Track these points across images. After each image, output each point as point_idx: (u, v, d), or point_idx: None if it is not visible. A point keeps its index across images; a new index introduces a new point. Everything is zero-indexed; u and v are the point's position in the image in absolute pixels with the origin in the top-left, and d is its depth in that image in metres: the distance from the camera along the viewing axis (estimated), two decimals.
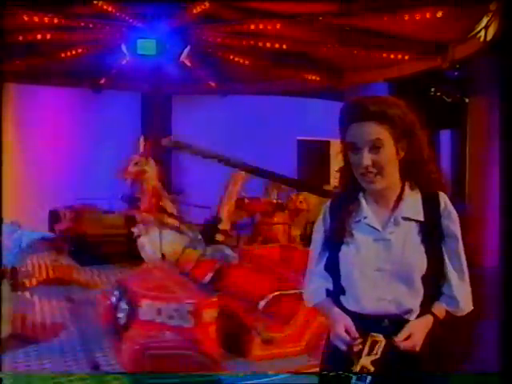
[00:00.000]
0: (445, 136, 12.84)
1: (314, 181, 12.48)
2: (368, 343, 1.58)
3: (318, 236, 1.83)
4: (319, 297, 1.81)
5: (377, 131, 1.63)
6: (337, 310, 1.71)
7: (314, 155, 12.66)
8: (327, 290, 1.80)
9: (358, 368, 1.55)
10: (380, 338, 1.58)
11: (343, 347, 1.61)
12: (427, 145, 1.73)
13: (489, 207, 6.95)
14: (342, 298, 1.73)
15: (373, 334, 1.59)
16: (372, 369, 1.53)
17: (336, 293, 1.76)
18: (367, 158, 1.63)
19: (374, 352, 1.56)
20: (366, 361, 1.55)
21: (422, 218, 1.68)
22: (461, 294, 1.71)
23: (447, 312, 1.70)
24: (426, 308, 1.66)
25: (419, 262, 1.64)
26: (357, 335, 1.60)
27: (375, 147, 1.63)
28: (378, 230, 1.69)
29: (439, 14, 5.59)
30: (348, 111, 1.68)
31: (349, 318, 1.65)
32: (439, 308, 1.70)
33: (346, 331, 1.62)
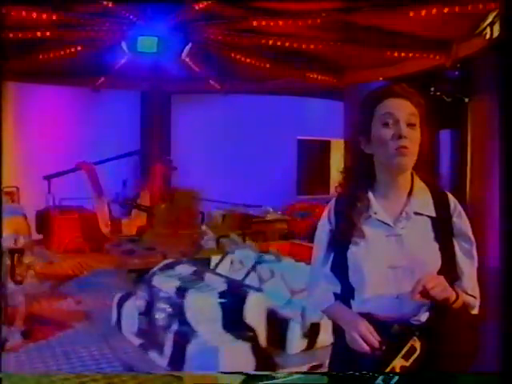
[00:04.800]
0: (444, 136, 12.82)
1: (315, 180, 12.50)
2: (407, 346, 1.51)
3: (322, 237, 1.77)
4: (328, 301, 1.75)
5: (413, 110, 1.63)
6: (351, 312, 1.66)
7: (314, 155, 12.64)
8: (335, 294, 1.73)
9: (388, 368, 1.49)
10: (418, 346, 1.51)
11: (366, 350, 1.55)
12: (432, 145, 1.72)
13: (490, 208, 6.91)
14: (351, 301, 1.68)
15: (415, 338, 1.52)
16: (398, 372, 1.49)
17: (344, 295, 1.70)
18: (405, 130, 1.60)
19: (408, 357, 1.50)
20: (398, 363, 1.49)
21: (433, 214, 1.65)
22: (473, 293, 1.68)
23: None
24: (437, 308, 1.59)
25: (433, 259, 1.61)
26: (378, 337, 1.55)
27: (411, 123, 1.62)
28: (389, 226, 1.65)
29: (445, 11, 5.54)
30: (384, 88, 1.68)
31: (366, 320, 1.60)
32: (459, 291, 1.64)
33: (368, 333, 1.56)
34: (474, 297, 1.68)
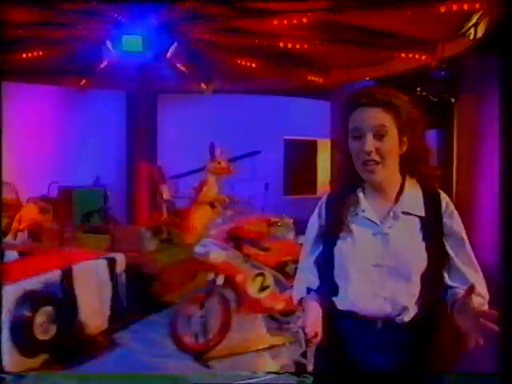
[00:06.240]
0: (430, 136, 12.95)
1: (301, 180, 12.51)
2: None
3: (311, 231, 1.79)
4: (300, 294, 1.77)
5: (382, 118, 1.59)
6: (313, 303, 1.66)
7: (300, 155, 12.67)
8: (317, 287, 1.74)
9: None
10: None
11: (303, 338, 1.55)
12: (426, 142, 1.71)
13: (476, 207, 6.98)
14: (334, 297, 1.67)
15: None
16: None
17: (327, 291, 1.70)
18: (371, 144, 1.59)
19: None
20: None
21: (422, 214, 1.64)
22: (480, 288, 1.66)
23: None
24: (421, 308, 1.61)
25: (419, 258, 1.60)
26: (317, 330, 1.54)
27: (379, 134, 1.59)
28: (376, 224, 1.65)
29: (430, 11, 5.57)
30: (354, 97, 1.64)
31: (320, 313, 1.61)
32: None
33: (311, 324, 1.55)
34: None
